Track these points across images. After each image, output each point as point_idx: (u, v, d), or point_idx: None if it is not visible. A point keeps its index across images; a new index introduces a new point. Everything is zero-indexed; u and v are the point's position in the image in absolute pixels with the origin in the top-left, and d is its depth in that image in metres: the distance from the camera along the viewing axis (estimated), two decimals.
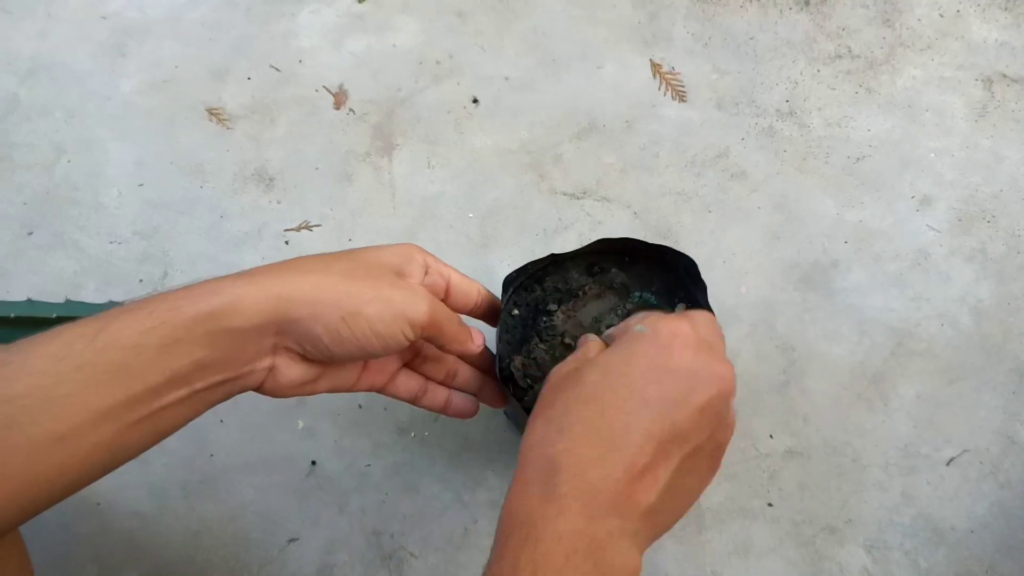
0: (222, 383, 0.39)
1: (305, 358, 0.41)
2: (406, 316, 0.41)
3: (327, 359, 0.41)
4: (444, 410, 0.51)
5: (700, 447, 0.37)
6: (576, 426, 0.36)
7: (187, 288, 0.37)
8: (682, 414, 0.36)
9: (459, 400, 0.51)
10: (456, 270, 0.48)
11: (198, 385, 0.38)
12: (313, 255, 0.42)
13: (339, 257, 0.42)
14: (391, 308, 0.40)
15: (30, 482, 0.34)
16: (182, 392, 0.37)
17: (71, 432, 0.34)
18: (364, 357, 0.42)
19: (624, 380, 0.37)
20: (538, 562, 0.33)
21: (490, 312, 0.51)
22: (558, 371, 0.40)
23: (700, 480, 0.39)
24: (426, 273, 0.45)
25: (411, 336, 0.41)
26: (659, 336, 0.38)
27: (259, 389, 0.41)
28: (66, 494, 0.36)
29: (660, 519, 0.37)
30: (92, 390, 0.34)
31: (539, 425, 0.37)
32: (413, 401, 0.50)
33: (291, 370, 0.41)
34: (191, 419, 0.39)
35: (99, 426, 0.35)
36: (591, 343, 0.42)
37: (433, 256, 0.46)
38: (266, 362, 0.40)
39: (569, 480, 0.35)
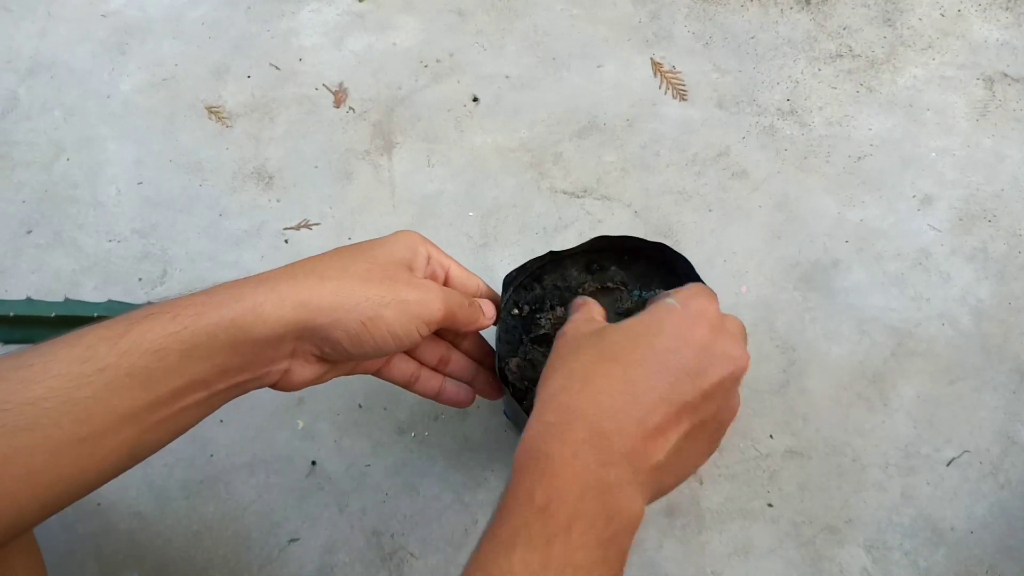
0: (240, 384, 0.40)
1: (321, 358, 0.42)
2: (422, 317, 0.42)
3: (344, 359, 0.42)
4: (438, 397, 0.51)
5: (706, 421, 0.39)
6: (599, 380, 0.38)
7: (208, 292, 0.38)
8: (697, 386, 0.38)
9: (452, 388, 0.51)
10: (456, 262, 0.48)
11: (218, 387, 0.39)
12: (328, 254, 0.43)
13: (354, 258, 0.42)
14: (408, 309, 0.41)
15: (51, 482, 0.34)
16: (202, 394, 0.38)
17: (93, 434, 0.35)
18: (379, 356, 0.43)
19: (648, 345, 0.39)
20: (552, 494, 0.34)
21: None
22: (572, 330, 0.42)
23: (699, 453, 0.41)
24: (428, 263, 0.46)
25: (425, 333, 0.43)
26: (688, 311, 0.40)
27: (272, 386, 0.42)
28: (85, 492, 0.37)
29: (663, 478, 0.39)
30: (115, 393, 0.35)
31: (560, 377, 0.39)
32: (407, 386, 0.50)
33: (306, 370, 0.42)
34: (206, 416, 0.40)
35: (121, 428, 0.35)
36: (591, 305, 0.45)
37: (435, 246, 0.47)
38: (283, 364, 0.41)
39: (587, 427, 0.36)
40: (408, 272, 0.43)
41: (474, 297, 0.49)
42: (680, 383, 0.38)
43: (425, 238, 0.46)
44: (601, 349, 0.39)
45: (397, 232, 0.46)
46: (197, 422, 0.40)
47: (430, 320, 0.42)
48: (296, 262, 0.41)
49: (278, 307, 0.38)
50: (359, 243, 0.44)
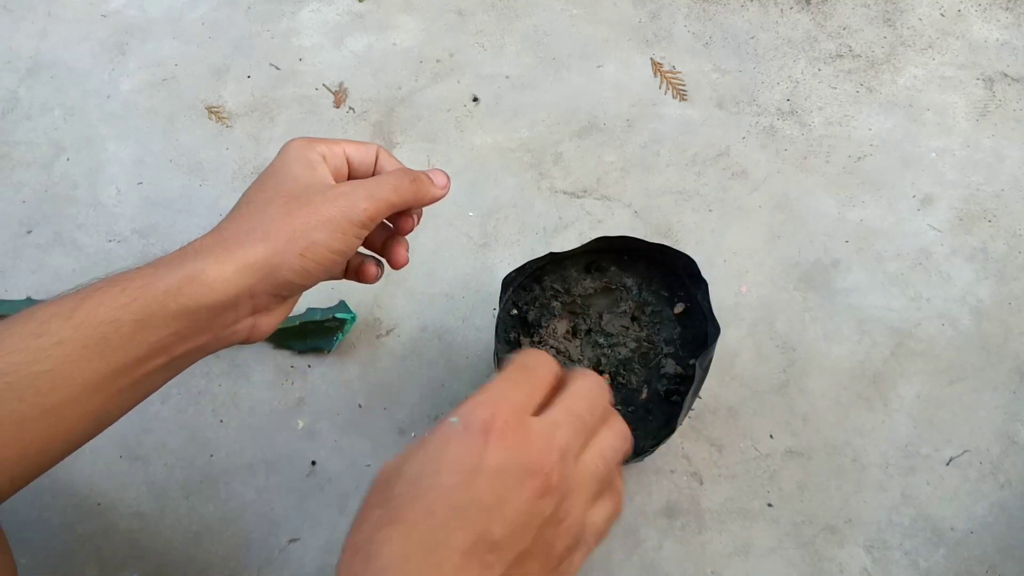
0: (202, 346, 0.40)
1: (280, 297, 0.43)
2: (352, 222, 0.41)
3: (302, 290, 0.44)
4: (358, 276, 0.49)
5: (527, 551, 0.32)
6: (382, 555, 0.30)
7: (153, 264, 0.39)
8: (494, 522, 0.31)
9: (370, 266, 0.49)
10: (348, 141, 0.46)
11: (177, 351, 0.39)
12: (244, 207, 0.42)
13: (267, 198, 0.42)
14: (335, 224, 0.41)
15: (20, 454, 0.35)
16: (162, 359, 0.39)
17: (57, 405, 0.35)
18: (335, 273, 0.44)
19: (431, 488, 0.31)
20: None
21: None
22: (386, 466, 0.34)
23: None
24: (325, 162, 0.44)
25: (365, 233, 0.43)
26: (470, 429, 0.32)
27: (243, 343, 0.43)
28: (51, 464, 0.37)
29: None
30: (74, 364, 0.35)
31: (347, 551, 0.31)
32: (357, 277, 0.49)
33: (270, 317, 0.43)
34: (172, 378, 0.41)
35: (85, 398, 0.36)
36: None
37: (322, 141, 0.45)
38: (247, 323, 0.42)
39: None
40: (319, 188, 0.42)
41: (375, 162, 0.47)
42: (475, 525, 0.31)
43: (309, 139, 0.44)
44: (383, 512, 0.31)
45: (283, 149, 0.44)
46: (161, 386, 0.41)
47: (362, 221, 0.42)
48: (223, 223, 0.41)
49: (222, 273, 0.38)
50: (260, 179, 0.43)
